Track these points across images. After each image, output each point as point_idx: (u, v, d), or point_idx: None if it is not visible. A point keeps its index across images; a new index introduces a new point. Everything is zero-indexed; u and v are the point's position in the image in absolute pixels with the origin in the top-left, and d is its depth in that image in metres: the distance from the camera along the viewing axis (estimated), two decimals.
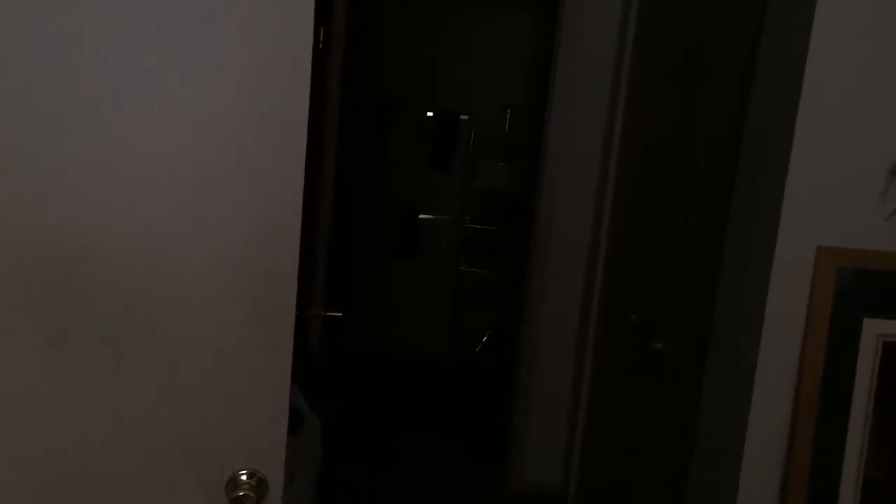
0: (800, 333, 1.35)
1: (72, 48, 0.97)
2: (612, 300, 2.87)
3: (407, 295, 5.08)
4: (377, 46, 4.49)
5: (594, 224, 3.10)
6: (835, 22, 1.28)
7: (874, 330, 1.32)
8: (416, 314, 5.10)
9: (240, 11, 0.99)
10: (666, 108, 2.32)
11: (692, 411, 1.70)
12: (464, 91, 4.84)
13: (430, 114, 4.88)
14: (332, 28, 2.70)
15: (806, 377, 1.33)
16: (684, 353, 1.88)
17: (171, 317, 1.04)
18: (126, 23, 0.97)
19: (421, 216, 5.01)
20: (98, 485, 1.07)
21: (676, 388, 1.93)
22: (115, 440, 1.06)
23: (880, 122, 1.31)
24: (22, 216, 0.99)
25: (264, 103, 1.02)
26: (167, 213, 1.02)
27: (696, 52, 2.02)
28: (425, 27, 4.80)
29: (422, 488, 3.36)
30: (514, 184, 4.90)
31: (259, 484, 1.07)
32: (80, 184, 1.00)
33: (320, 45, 2.30)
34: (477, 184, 4.97)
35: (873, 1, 1.28)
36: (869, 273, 1.33)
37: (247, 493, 1.06)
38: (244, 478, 1.07)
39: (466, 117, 4.88)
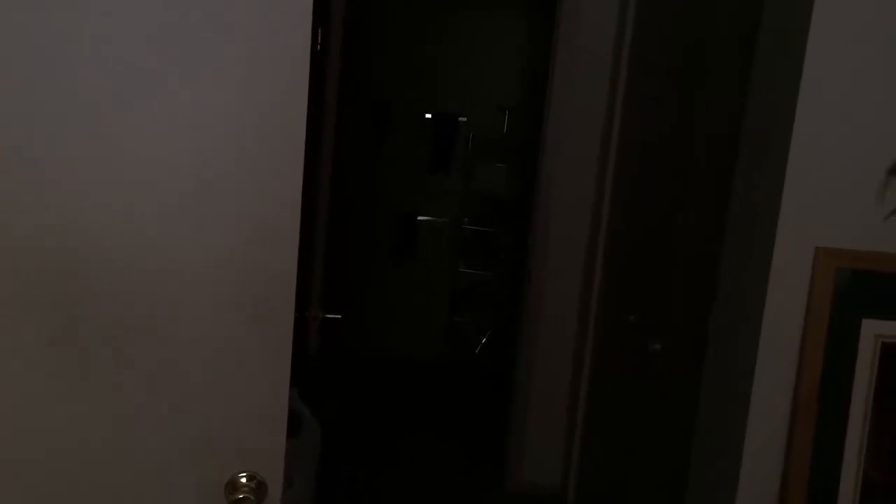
0: (798, 334, 1.35)
1: (72, 48, 0.97)
2: (610, 301, 2.87)
3: (405, 296, 5.08)
4: (375, 47, 4.49)
5: (592, 224, 3.10)
6: (833, 21, 1.29)
7: (873, 330, 1.32)
8: (415, 316, 5.09)
9: (240, 12, 0.99)
10: (665, 107, 2.32)
11: (691, 412, 1.70)
12: (462, 92, 4.84)
13: (428, 115, 4.88)
14: (330, 29, 2.70)
15: (805, 377, 1.33)
16: (683, 354, 1.88)
17: (171, 317, 1.04)
18: (126, 23, 0.97)
19: (419, 218, 5.01)
20: (97, 485, 1.07)
21: (675, 388, 1.93)
22: (115, 440, 1.06)
23: (879, 122, 1.31)
24: (22, 216, 0.99)
25: (264, 103, 1.02)
26: (167, 213, 1.02)
27: (696, 52, 2.02)
28: (424, 28, 4.80)
29: (421, 488, 3.36)
30: (513, 185, 4.90)
31: (258, 486, 1.07)
32: (80, 184, 1.00)
33: (318, 47, 2.30)
34: (475, 185, 4.97)
35: (871, 0, 1.28)
36: (867, 274, 1.33)
37: (246, 495, 1.06)
38: (243, 480, 1.07)
39: (465, 119, 4.88)
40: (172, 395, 1.06)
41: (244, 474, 1.07)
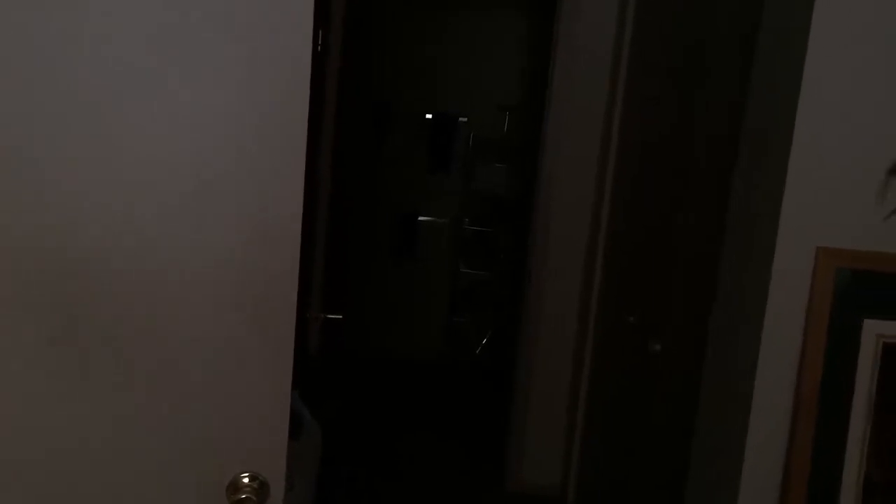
0: (800, 334, 1.35)
1: (72, 48, 0.97)
2: (610, 301, 2.87)
3: (405, 297, 5.08)
4: (375, 47, 4.49)
5: (592, 225, 3.10)
6: (833, 21, 1.29)
7: (874, 330, 1.32)
8: (415, 316, 5.09)
9: (240, 12, 0.99)
10: (665, 107, 2.32)
11: (691, 412, 1.70)
12: (462, 92, 4.84)
13: (428, 116, 4.88)
14: (331, 29, 2.70)
15: (806, 378, 1.33)
16: (683, 354, 1.88)
17: (171, 317, 1.04)
18: (126, 23, 0.97)
19: (420, 218, 5.01)
20: (98, 485, 1.07)
21: (675, 388, 1.93)
22: (115, 440, 1.06)
23: (879, 122, 1.31)
24: (22, 216, 0.99)
25: (264, 103, 1.01)
26: (167, 213, 1.02)
27: (696, 52, 2.02)
28: (424, 27, 4.80)
29: (421, 489, 3.36)
30: (513, 185, 4.90)
31: (261, 487, 1.07)
32: (80, 184, 1.00)
33: (319, 48, 2.29)
34: (475, 185, 4.97)
35: (872, 0, 1.28)
36: (868, 274, 1.33)
37: (248, 496, 1.06)
38: (245, 480, 1.07)
39: (465, 119, 4.88)
40: (172, 395, 1.06)
41: (246, 475, 1.07)
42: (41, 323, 1.01)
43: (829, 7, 1.28)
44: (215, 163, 1.02)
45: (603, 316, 2.96)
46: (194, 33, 0.99)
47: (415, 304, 5.09)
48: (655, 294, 2.19)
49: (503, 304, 4.92)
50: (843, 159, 1.32)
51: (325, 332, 2.70)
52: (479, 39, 4.79)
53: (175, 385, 1.06)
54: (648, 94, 2.58)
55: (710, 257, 1.68)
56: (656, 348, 2.04)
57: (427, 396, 4.53)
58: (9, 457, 1.05)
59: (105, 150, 0.99)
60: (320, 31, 2.26)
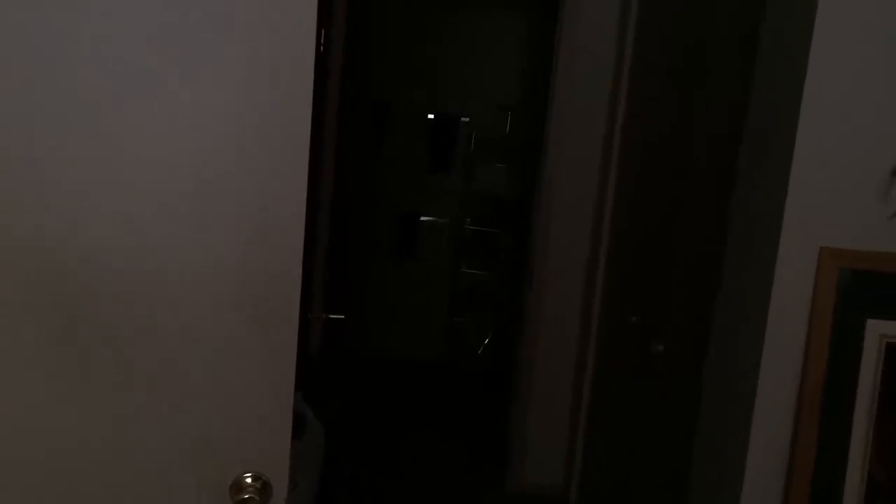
0: (803, 335, 1.34)
1: (72, 48, 0.97)
2: (612, 301, 2.86)
3: (406, 297, 5.07)
4: (375, 47, 4.49)
5: (594, 225, 3.10)
6: (836, 21, 1.28)
7: (877, 330, 1.32)
8: (416, 316, 5.09)
9: (240, 11, 0.99)
10: (666, 107, 2.32)
11: (693, 412, 1.70)
12: (463, 92, 4.84)
13: (430, 116, 4.87)
14: (333, 28, 2.70)
15: (809, 378, 1.33)
16: (685, 355, 1.87)
17: (172, 317, 1.04)
18: (126, 23, 0.97)
19: (422, 218, 5.01)
20: (98, 485, 1.07)
21: (677, 389, 1.92)
22: (116, 441, 1.06)
23: (883, 122, 1.30)
24: (22, 216, 0.99)
25: (264, 103, 1.01)
26: (167, 213, 1.02)
27: (696, 52, 2.02)
28: (424, 28, 4.80)
29: (423, 489, 3.36)
30: (514, 185, 4.90)
31: (263, 487, 1.07)
32: (80, 184, 0.99)
33: (321, 48, 2.29)
34: (476, 185, 4.96)
35: (875, 0, 1.28)
36: (871, 274, 1.32)
37: (251, 496, 1.05)
38: (248, 481, 1.07)
39: (467, 119, 4.87)
40: (172, 395, 1.06)
41: (249, 475, 1.07)
42: (41, 323, 1.01)
43: (833, 6, 1.28)
44: (215, 163, 1.01)
45: (605, 316, 2.96)
46: (194, 33, 0.98)
47: (415, 304, 5.09)
48: (658, 294, 2.19)
49: (504, 305, 4.92)
50: (846, 159, 1.31)
51: (326, 332, 2.70)
52: (479, 39, 4.79)
53: (175, 385, 1.05)
54: (650, 94, 2.58)
55: (712, 257, 1.67)
56: (659, 348, 2.04)
57: (429, 397, 4.53)
58: (9, 457, 1.04)
59: (105, 150, 0.99)
60: (322, 31, 2.26)
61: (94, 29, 0.97)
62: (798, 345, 1.34)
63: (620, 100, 2.94)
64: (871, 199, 1.32)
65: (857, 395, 1.32)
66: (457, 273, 5.08)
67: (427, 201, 5.01)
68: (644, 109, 2.65)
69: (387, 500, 3.25)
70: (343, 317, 2.57)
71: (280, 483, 1.08)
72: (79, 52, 0.97)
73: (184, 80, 0.99)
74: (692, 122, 1.99)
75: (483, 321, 5.06)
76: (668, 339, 2.02)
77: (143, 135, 1.00)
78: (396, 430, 3.97)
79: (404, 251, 5.03)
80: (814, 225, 1.33)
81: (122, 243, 1.01)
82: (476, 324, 5.07)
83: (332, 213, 2.90)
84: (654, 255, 2.27)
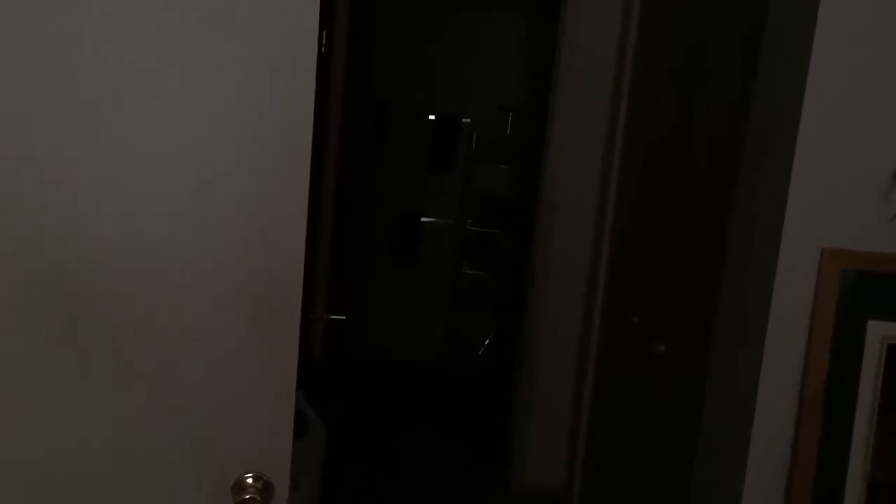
0: (804, 335, 1.34)
1: (72, 48, 0.97)
2: (614, 302, 2.86)
3: (407, 297, 5.07)
4: (375, 47, 4.49)
5: (596, 225, 3.09)
6: (838, 22, 1.28)
7: (879, 332, 1.31)
8: (417, 317, 5.09)
9: (240, 11, 0.99)
10: (666, 108, 2.31)
11: (695, 413, 1.70)
12: (464, 92, 4.84)
13: (431, 117, 4.87)
14: (335, 29, 2.70)
15: (810, 379, 1.33)
16: (687, 355, 1.87)
17: (172, 317, 1.04)
18: (126, 23, 0.97)
19: (423, 219, 5.01)
20: (98, 486, 1.07)
21: (679, 389, 1.92)
22: (116, 441, 1.06)
23: (884, 122, 1.30)
24: (22, 216, 0.99)
25: (265, 103, 1.01)
26: (167, 213, 1.02)
27: (697, 52, 2.02)
28: (424, 28, 4.79)
29: (424, 489, 3.35)
30: (515, 186, 4.90)
31: (265, 487, 1.07)
32: (80, 184, 0.99)
33: (323, 49, 2.29)
34: (477, 186, 4.96)
35: (877, 1, 1.27)
36: (873, 275, 1.32)
37: (252, 496, 1.05)
38: (250, 481, 1.07)
39: (468, 120, 4.87)
40: (172, 395, 1.05)
41: (250, 475, 1.07)
42: (41, 323, 1.01)
43: (834, 6, 1.28)
44: (215, 163, 1.01)
45: (606, 316, 2.95)
46: (194, 33, 0.98)
47: (416, 304, 5.09)
48: (659, 294, 2.18)
49: (505, 305, 4.91)
50: (848, 160, 1.31)
51: (328, 332, 2.69)
52: (479, 39, 4.79)
53: (175, 385, 1.05)
54: (651, 94, 2.58)
55: (713, 258, 1.67)
56: (660, 349, 2.03)
57: (430, 397, 4.53)
58: (9, 457, 1.04)
59: (105, 150, 0.99)
60: (324, 33, 2.26)
61: (94, 29, 0.97)
62: (799, 346, 1.34)
63: (621, 100, 2.93)
64: (873, 199, 1.32)
65: (859, 395, 1.32)
66: (458, 273, 5.08)
67: (428, 202, 5.01)
68: (645, 110, 2.64)
69: (388, 500, 3.25)
70: (344, 317, 2.57)
71: (281, 483, 1.08)
72: (79, 52, 0.97)
73: (184, 80, 0.99)
74: (693, 123, 1.99)
75: (484, 321, 5.05)
76: (669, 340, 2.02)
77: (143, 135, 1.00)
78: (398, 430, 3.97)
79: (405, 252, 5.03)
80: (815, 226, 1.33)
81: (122, 243, 1.01)
82: (477, 324, 5.07)
83: (334, 213, 2.90)
84: (656, 255, 2.27)
